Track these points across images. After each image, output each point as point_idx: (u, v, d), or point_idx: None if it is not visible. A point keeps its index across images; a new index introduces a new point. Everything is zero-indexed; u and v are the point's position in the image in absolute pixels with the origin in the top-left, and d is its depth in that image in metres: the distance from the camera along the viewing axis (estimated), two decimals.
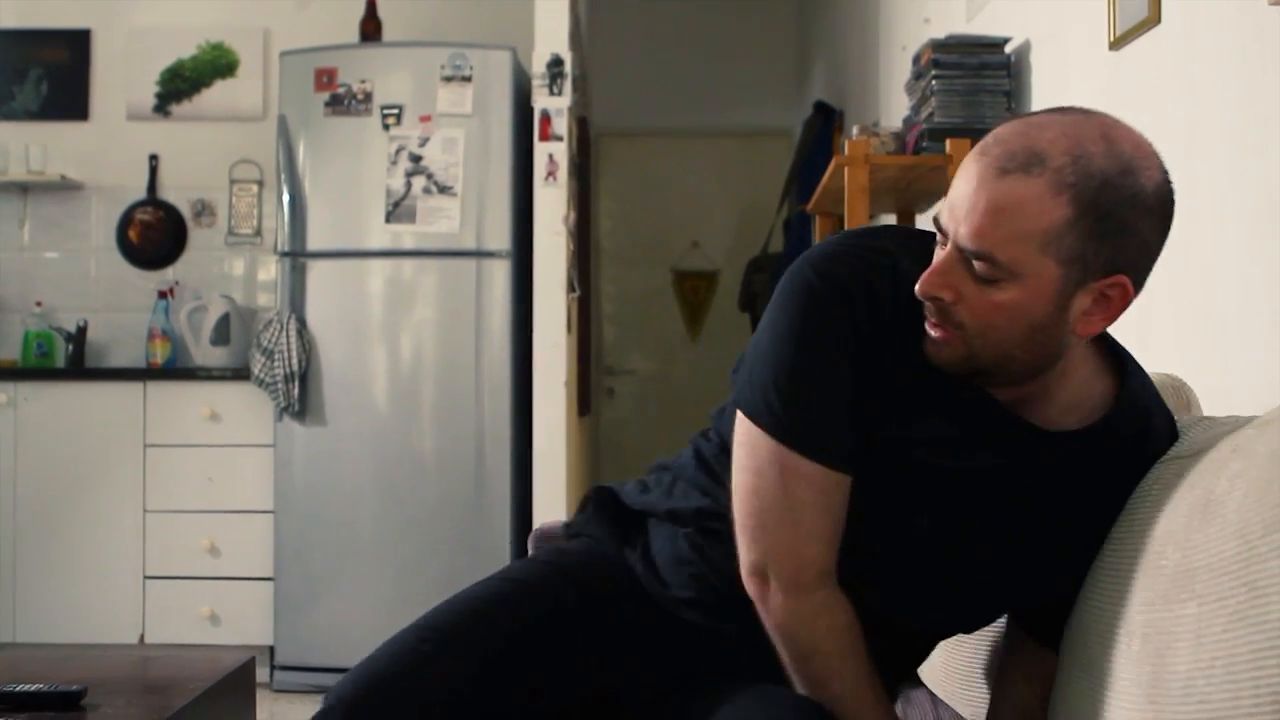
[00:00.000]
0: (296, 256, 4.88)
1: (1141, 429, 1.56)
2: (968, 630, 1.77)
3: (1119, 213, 1.37)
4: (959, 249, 1.42)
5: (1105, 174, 1.36)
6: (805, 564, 1.55)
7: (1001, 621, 1.77)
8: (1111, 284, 1.41)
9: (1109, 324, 1.46)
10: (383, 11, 5.38)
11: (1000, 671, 1.78)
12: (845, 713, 1.57)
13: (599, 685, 1.74)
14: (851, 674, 1.57)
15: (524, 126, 4.94)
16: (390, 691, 1.65)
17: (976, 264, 1.40)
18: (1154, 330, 2.36)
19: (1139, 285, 1.44)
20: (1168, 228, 1.44)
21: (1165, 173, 1.42)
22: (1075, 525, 1.55)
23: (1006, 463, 1.54)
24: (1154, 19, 2.34)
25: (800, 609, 1.57)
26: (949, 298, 1.44)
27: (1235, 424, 1.34)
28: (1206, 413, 1.78)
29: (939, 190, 3.55)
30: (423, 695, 1.65)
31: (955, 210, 1.42)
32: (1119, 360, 1.59)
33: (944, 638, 1.82)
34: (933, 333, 1.48)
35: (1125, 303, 1.43)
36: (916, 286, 1.45)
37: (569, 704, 1.73)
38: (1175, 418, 1.62)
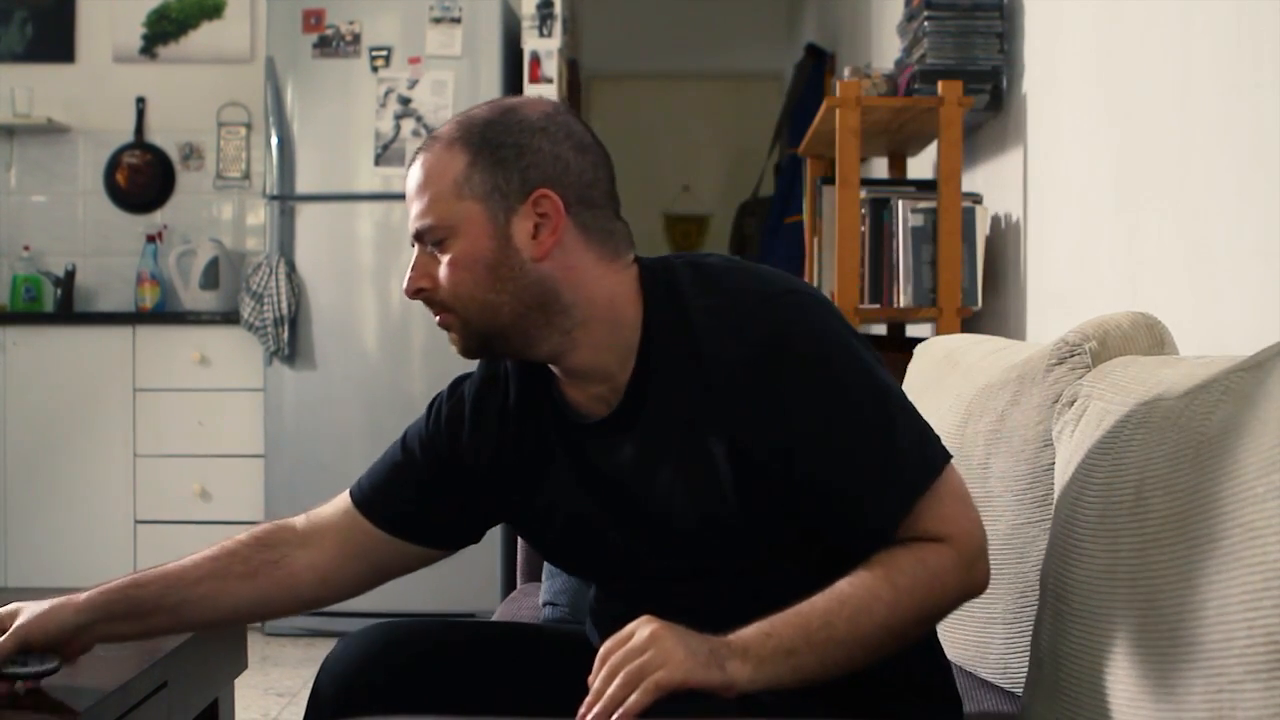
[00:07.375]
0: (285, 200, 4.86)
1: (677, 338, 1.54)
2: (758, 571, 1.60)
3: (509, 140, 1.55)
4: (415, 239, 1.59)
5: (486, 119, 1.58)
6: None
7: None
8: (537, 199, 1.53)
9: (558, 239, 1.54)
10: None
11: None
12: None
13: None
14: None
15: (513, 69, 4.91)
16: (395, 636, 1.73)
17: (430, 242, 1.57)
18: (1144, 272, 2.35)
19: (575, 197, 1.54)
20: (584, 146, 1.57)
21: (556, 106, 1.61)
22: (703, 458, 1.53)
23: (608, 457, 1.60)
24: None
25: None
26: (427, 284, 1.57)
27: (1222, 365, 1.32)
28: (1196, 353, 1.77)
29: (930, 133, 3.53)
30: (422, 645, 1.71)
31: (408, 212, 1.61)
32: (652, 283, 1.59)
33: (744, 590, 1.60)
34: (440, 325, 1.60)
35: (560, 214, 1.53)
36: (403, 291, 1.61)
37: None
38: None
